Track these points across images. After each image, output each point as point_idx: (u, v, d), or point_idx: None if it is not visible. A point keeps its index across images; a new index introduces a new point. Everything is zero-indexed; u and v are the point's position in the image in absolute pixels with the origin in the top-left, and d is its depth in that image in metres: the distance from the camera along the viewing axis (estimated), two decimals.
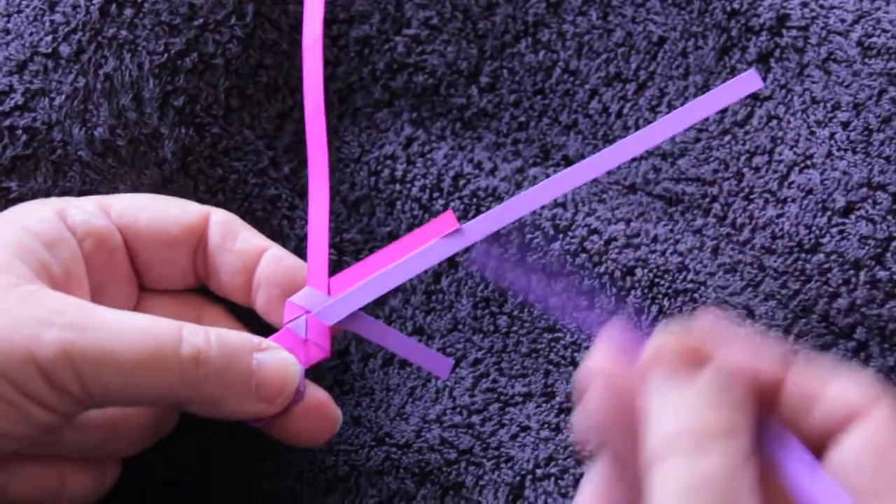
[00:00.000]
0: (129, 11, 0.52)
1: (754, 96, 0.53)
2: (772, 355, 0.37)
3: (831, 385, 0.36)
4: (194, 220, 0.48)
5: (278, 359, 0.46)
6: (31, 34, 0.52)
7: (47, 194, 0.51)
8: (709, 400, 0.35)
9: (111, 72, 0.52)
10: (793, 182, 0.51)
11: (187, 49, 0.53)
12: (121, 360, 0.42)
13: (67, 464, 0.46)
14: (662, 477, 0.34)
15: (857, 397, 0.35)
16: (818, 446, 0.35)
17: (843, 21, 0.52)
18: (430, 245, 0.48)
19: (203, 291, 0.50)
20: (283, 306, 0.48)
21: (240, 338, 0.45)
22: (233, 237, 0.49)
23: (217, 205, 0.53)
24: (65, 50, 0.52)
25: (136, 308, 0.49)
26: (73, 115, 0.51)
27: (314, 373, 0.50)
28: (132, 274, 0.49)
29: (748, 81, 0.46)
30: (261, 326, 0.48)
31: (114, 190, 0.51)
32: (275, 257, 0.48)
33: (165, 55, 0.52)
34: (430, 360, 0.48)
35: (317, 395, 0.47)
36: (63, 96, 0.51)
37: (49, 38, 0.52)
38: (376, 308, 0.54)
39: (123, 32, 0.52)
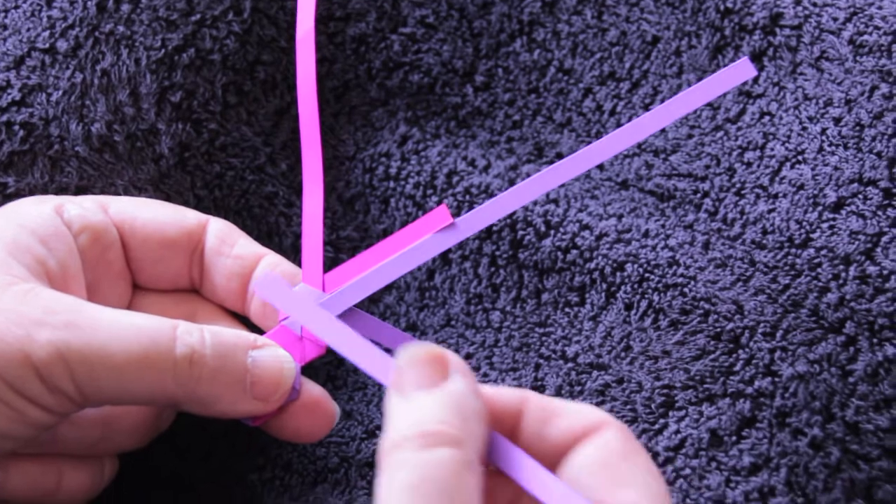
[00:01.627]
0: (126, 7, 0.52)
1: (747, 93, 0.54)
2: (507, 389, 0.40)
3: (566, 407, 0.39)
4: (192, 225, 0.49)
5: (273, 356, 0.46)
6: (28, 30, 0.52)
7: (44, 189, 0.51)
8: (444, 407, 0.37)
9: (108, 67, 0.52)
10: (784, 177, 0.51)
11: (184, 45, 0.53)
12: (115, 360, 0.42)
13: (64, 461, 0.46)
14: (390, 471, 0.36)
15: (589, 416, 0.39)
16: (553, 460, 0.39)
17: (835, 19, 0.52)
18: (424, 240, 0.48)
19: None
20: (276, 312, 0.48)
21: (235, 336, 0.45)
22: (230, 243, 0.49)
23: (214, 201, 0.53)
24: (62, 45, 0.52)
25: (130, 305, 0.49)
26: (70, 110, 0.51)
27: (309, 369, 0.50)
28: (127, 272, 0.49)
29: (741, 70, 0.46)
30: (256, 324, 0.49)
31: (111, 185, 0.52)
32: (271, 263, 0.48)
33: (162, 51, 0.53)
34: None
35: (313, 391, 0.47)
36: (60, 92, 0.52)
37: (46, 33, 0.52)
38: (371, 305, 0.54)
39: (121, 28, 0.52)
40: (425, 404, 0.37)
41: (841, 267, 0.49)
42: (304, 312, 0.45)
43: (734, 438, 0.47)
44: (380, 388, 0.52)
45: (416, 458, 0.36)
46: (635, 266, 0.50)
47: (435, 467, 0.35)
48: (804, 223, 0.50)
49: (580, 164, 0.47)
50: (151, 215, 0.48)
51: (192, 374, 0.43)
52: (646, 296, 0.50)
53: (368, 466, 0.49)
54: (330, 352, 0.51)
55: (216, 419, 0.46)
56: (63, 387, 0.41)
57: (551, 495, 0.37)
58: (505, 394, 0.40)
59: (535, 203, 0.52)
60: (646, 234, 0.51)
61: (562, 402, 0.40)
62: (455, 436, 0.36)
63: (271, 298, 0.46)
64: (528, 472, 0.38)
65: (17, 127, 0.51)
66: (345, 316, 0.48)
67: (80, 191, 0.51)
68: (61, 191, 0.51)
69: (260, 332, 0.48)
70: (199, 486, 0.51)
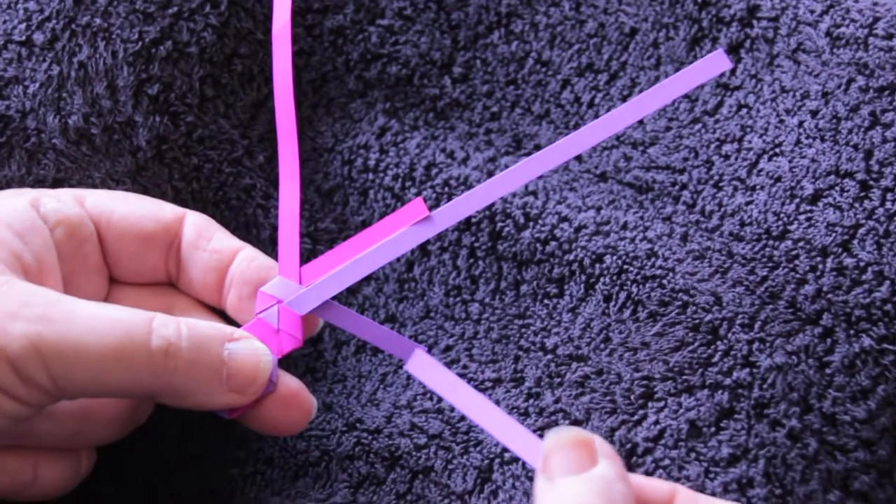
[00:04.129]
0: None
1: (724, 86, 0.54)
2: (657, 480, 0.41)
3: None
4: (169, 218, 0.48)
5: (250, 349, 0.46)
6: (4, 22, 0.52)
7: (21, 182, 0.51)
8: (592, 493, 0.37)
9: (85, 60, 0.52)
10: (762, 170, 0.52)
11: (161, 37, 0.53)
12: (90, 352, 0.41)
13: (41, 453, 0.46)
14: None
15: None
16: None
17: (812, 11, 0.52)
18: (401, 233, 0.48)
19: None
20: (253, 305, 0.48)
21: (211, 328, 0.45)
22: (207, 237, 0.49)
23: (192, 193, 0.53)
24: (39, 38, 0.52)
25: (106, 298, 0.49)
26: (47, 103, 0.51)
27: (287, 361, 0.50)
28: (103, 265, 0.48)
29: (716, 62, 0.46)
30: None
31: (88, 177, 0.51)
32: (248, 257, 0.48)
33: (140, 43, 0.52)
34: (401, 348, 0.48)
35: (290, 384, 0.47)
36: (37, 84, 0.51)
37: (23, 25, 0.52)
38: (349, 296, 0.54)
39: (97, 20, 0.52)
40: (574, 490, 0.37)
41: (818, 259, 0.49)
42: (449, 389, 0.45)
43: (713, 429, 0.47)
44: (360, 380, 0.52)
45: None
46: (614, 258, 0.50)
47: None
48: (782, 215, 0.50)
49: (556, 156, 0.47)
50: (128, 209, 0.48)
51: (167, 366, 0.43)
52: (624, 287, 0.50)
53: (349, 459, 0.49)
54: (307, 343, 0.51)
55: (194, 411, 0.46)
56: (38, 379, 0.41)
57: None
58: (654, 484, 0.40)
59: (513, 195, 0.52)
60: (624, 226, 0.52)
61: (710, 500, 0.39)
62: None
63: (421, 377, 0.46)
64: None
65: None
66: (322, 309, 0.48)
67: (57, 183, 0.51)
68: (38, 183, 0.51)
69: (237, 325, 0.48)
70: (178, 480, 0.51)
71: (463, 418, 0.49)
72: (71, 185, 0.51)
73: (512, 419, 0.42)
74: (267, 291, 0.48)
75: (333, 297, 0.48)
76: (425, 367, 0.46)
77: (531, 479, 0.47)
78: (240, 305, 0.48)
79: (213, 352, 0.44)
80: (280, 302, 0.48)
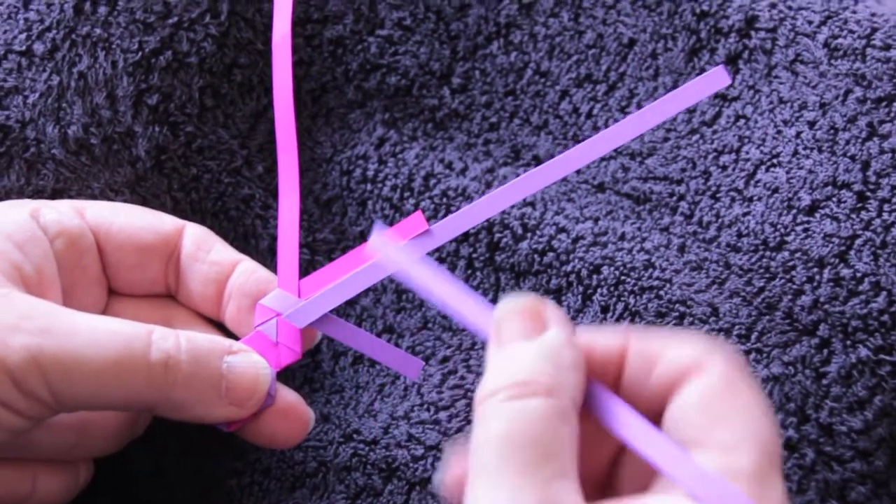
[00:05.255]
0: (103, 9, 0.52)
1: (722, 96, 0.54)
2: (609, 331, 0.40)
3: (668, 347, 0.38)
4: (169, 230, 0.49)
5: (249, 362, 0.46)
6: (4, 32, 0.52)
7: (20, 192, 0.51)
8: (539, 357, 0.37)
9: (85, 70, 0.52)
10: (759, 181, 0.52)
11: (161, 47, 0.53)
12: (90, 365, 0.42)
13: (39, 466, 0.46)
14: (482, 421, 0.36)
15: (692, 355, 0.38)
16: (658, 406, 0.38)
17: (810, 22, 0.52)
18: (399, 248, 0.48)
19: None
20: (252, 318, 0.48)
21: (210, 341, 0.45)
22: (207, 249, 0.49)
23: (191, 203, 0.53)
24: (39, 48, 0.52)
25: (105, 310, 0.49)
26: (46, 113, 0.51)
27: (285, 372, 0.50)
28: (103, 276, 0.49)
29: (716, 78, 0.46)
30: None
31: (87, 188, 0.52)
32: (247, 269, 0.48)
33: (139, 53, 0.52)
34: (400, 361, 0.48)
35: (288, 397, 0.47)
36: (37, 94, 0.51)
37: (23, 35, 0.52)
38: (347, 307, 0.54)
39: (98, 30, 0.52)
40: (520, 355, 0.37)
41: (815, 270, 0.49)
42: (406, 264, 0.44)
43: None
44: (357, 391, 0.52)
45: (508, 408, 0.36)
46: (611, 269, 0.50)
47: (527, 417, 0.35)
48: (779, 226, 0.50)
49: (555, 171, 0.47)
50: (128, 220, 0.48)
51: (167, 379, 0.43)
52: (622, 298, 0.50)
53: (346, 471, 0.49)
54: (305, 354, 0.51)
55: (192, 424, 0.46)
56: (37, 392, 0.41)
57: (650, 447, 0.37)
58: (606, 339, 0.39)
59: (511, 206, 0.52)
60: (622, 237, 0.52)
61: (663, 341, 0.39)
62: (549, 385, 0.36)
63: (379, 252, 0.45)
64: (628, 424, 0.37)
65: None
66: (321, 322, 0.48)
67: (56, 193, 0.51)
68: (37, 193, 0.51)
69: (235, 337, 0.48)
70: (176, 491, 0.51)
71: (460, 429, 0.49)
72: (70, 196, 0.51)
73: (469, 292, 0.42)
74: (266, 304, 0.48)
75: (332, 310, 0.48)
76: (388, 248, 0.45)
77: None
78: (239, 318, 0.48)
79: (212, 365, 0.44)
80: (279, 315, 0.48)
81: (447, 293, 0.42)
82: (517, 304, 0.39)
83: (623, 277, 0.50)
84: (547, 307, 0.39)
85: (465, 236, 0.53)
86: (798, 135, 0.52)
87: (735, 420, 0.36)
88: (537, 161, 0.55)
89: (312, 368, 0.53)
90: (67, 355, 0.41)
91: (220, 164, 0.54)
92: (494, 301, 0.52)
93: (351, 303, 0.54)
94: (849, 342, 0.48)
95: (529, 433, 0.35)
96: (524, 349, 0.37)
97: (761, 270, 0.50)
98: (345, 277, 0.48)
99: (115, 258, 0.48)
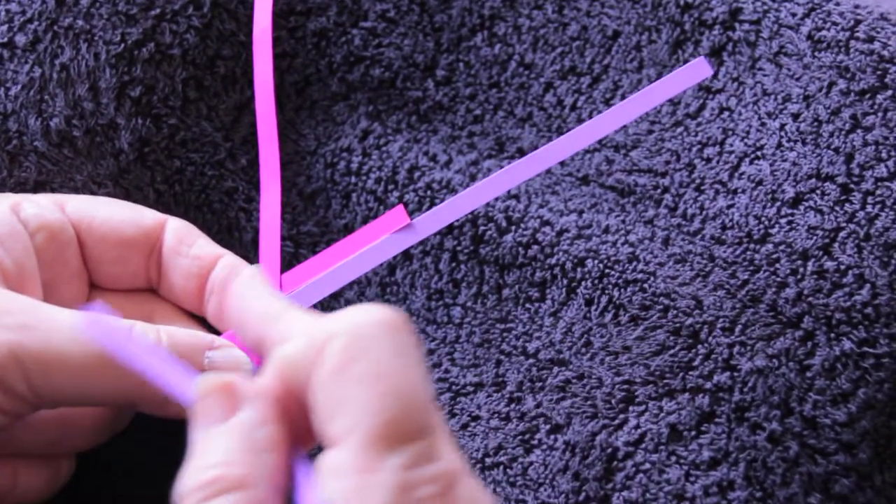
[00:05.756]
0: (85, 1, 0.52)
1: (706, 89, 0.54)
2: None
3: (293, 344, 0.36)
4: (150, 224, 0.48)
5: (230, 357, 0.46)
6: None
7: (2, 185, 0.51)
8: (232, 445, 0.36)
9: (67, 62, 0.52)
10: (743, 173, 0.52)
11: (144, 39, 0.53)
12: (70, 362, 0.41)
13: (20, 461, 0.46)
14: None
15: (318, 339, 0.35)
16: None
17: (793, 15, 0.52)
18: (382, 240, 0.48)
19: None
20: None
21: (191, 336, 0.45)
22: (189, 243, 0.48)
23: (174, 196, 0.53)
24: (20, 40, 0.52)
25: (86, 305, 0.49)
26: (28, 105, 0.51)
27: None
28: (83, 271, 0.48)
29: (698, 69, 0.46)
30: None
31: (70, 180, 0.51)
32: (229, 264, 0.48)
33: (122, 45, 0.52)
34: None
35: None
36: (19, 86, 0.51)
37: (4, 27, 0.52)
38: (332, 300, 0.54)
39: (80, 22, 0.52)
40: (213, 442, 0.36)
41: (799, 262, 0.49)
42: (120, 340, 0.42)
43: (693, 433, 0.47)
44: None
45: None
46: (596, 262, 0.50)
47: None
48: (763, 219, 0.50)
49: (538, 163, 0.47)
50: (109, 214, 0.48)
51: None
52: (606, 291, 0.50)
53: None
54: None
55: (174, 418, 0.46)
56: (17, 388, 0.41)
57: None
58: (275, 377, 0.37)
59: (496, 199, 0.52)
60: (606, 230, 0.52)
61: (299, 345, 0.36)
62: (239, 477, 0.35)
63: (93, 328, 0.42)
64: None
65: None
66: None
67: (38, 186, 0.51)
68: (20, 185, 0.51)
69: (217, 332, 0.48)
70: (159, 485, 0.50)
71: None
72: (53, 188, 0.51)
73: (180, 367, 0.40)
74: None
75: (314, 305, 0.48)
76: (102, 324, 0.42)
77: (512, 484, 0.47)
78: (220, 313, 0.48)
79: (194, 360, 0.44)
80: None
81: (158, 367, 0.41)
82: (210, 384, 0.37)
83: (607, 270, 0.50)
84: (238, 384, 0.37)
85: (450, 229, 0.53)
86: (782, 127, 0.52)
87: (347, 402, 0.34)
88: (521, 153, 0.55)
89: None
90: (47, 351, 0.41)
91: (203, 156, 0.54)
92: (479, 294, 0.52)
93: (335, 296, 0.54)
94: (833, 335, 0.48)
95: None
96: (217, 435, 0.36)
97: (745, 263, 0.50)
98: (327, 271, 0.48)
99: (96, 252, 0.48)
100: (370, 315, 0.35)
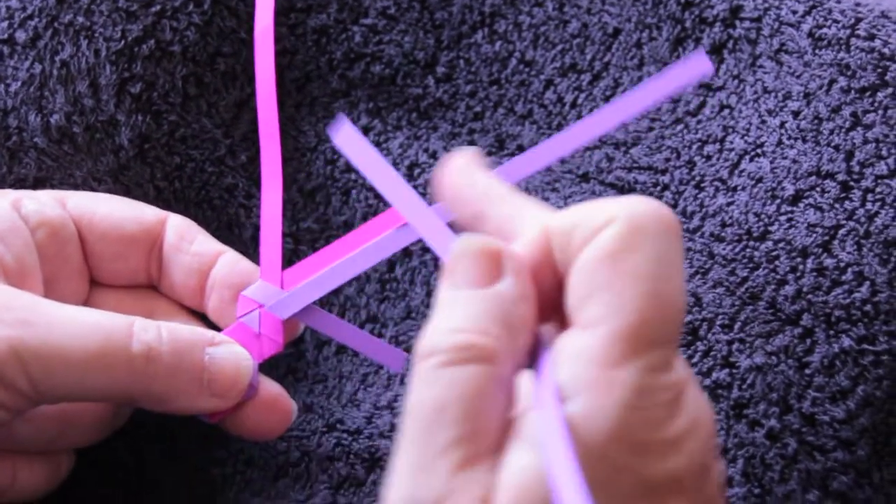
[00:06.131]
0: None
1: (707, 86, 0.54)
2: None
3: (581, 213, 0.35)
4: (151, 221, 0.48)
5: (231, 353, 0.46)
6: None
7: (2, 181, 0.51)
8: (487, 315, 0.35)
9: (67, 58, 0.52)
10: (743, 170, 0.52)
11: (144, 36, 0.53)
12: (70, 357, 0.41)
13: (19, 457, 0.46)
14: (420, 384, 0.34)
15: (599, 219, 0.34)
16: None
17: (794, 12, 0.52)
18: (382, 237, 0.48)
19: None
20: (234, 309, 0.48)
21: (192, 333, 0.45)
22: (189, 239, 0.48)
23: (174, 192, 0.53)
24: (21, 36, 0.52)
25: (87, 301, 0.49)
26: (28, 101, 0.51)
27: (268, 361, 0.50)
28: (84, 267, 0.48)
29: (697, 65, 0.46)
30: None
31: (70, 177, 0.51)
32: (230, 261, 0.48)
33: (122, 42, 0.52)
34: (383, 354, 0.48)
35: (270, 388, 0.47)
36: (19, 83, 0.51)
37: (5, 24, 0.52)
38: (331, 296, 0.54)
39: (80, 19, 0.52)
40: (467, 307, 0.35)
41: (798, 259, 0.49)
42: (372, 168, 0.42)
43: None
44: (340, 381, 0.52)
45: (447, 378, 0.33)
46: None
47: (463, 386, 0.33)
48: (762, 216, 0.50)
49: (538, 160, 0.47)
50: (109, 210, 0.48)
51: (148, 371, 0.43)
52: None
53: (329, 460, 0.49)
54: (288, 344, 0.51)
55: (175, 415, 0.46)
56: (17, 384, 0.41)
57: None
58: (535, 245, 0.36)
59: None
60: None
61: (574, 218, 0.35)
62: (490, 350, 0.34)
63: (345, 149, 0.43)
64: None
65: None
66: (303, 313, 0.48)
67: (38, 182, 0.51)
68: (19, 182, 0.51)
69: (217, 329, 0.48)
70: (158, 481, 0.50)
71: None
72: (52, 184, 0.51)
73: (431, 210, 0.40)
74: (248, 295, 0.48)
75: (315, 301, 0.48)
76: (351, 142, 0.44)
77: None
78: (221, 309, 0.48)
79: (194, 356, 0.44)
80: (261, 306, 0.48)
81: (411, 208, 0.40)
82: (474, 245, 0.36)
83: None
84: (504, 251, 0.36)
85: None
86: (782, 125, 0.52)
87: (606, 291, 0.33)
88: (521, 150, 0.55)
89: (296, 358, 0.53)
90: (48, 347, 0.41)
91: (203, 153, 0.54)
92: None
93: (335, 292, 0.54)
94: (832, 332, 0.48)
95: (463, 404, 0.33)
96: (473, 300, 0.35)
97: (745, 260, 0.50)
98: (328, 268, 0.48)
99: (96, 249, 0.48)
100: (650, 208, 0.35)
